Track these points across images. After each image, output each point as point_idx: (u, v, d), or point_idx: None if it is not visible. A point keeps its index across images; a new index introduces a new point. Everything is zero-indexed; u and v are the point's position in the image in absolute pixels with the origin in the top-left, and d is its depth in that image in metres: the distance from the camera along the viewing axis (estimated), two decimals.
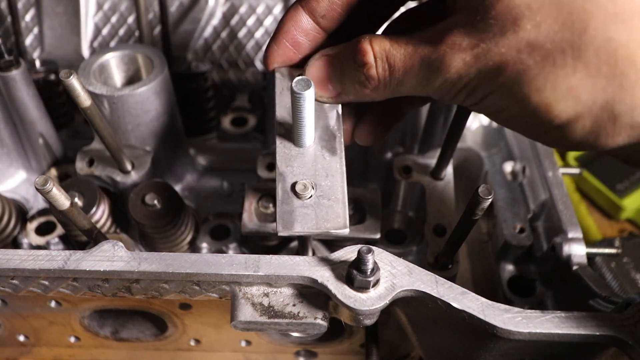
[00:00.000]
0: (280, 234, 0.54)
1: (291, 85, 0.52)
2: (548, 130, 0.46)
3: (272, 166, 0.84)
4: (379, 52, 0.52)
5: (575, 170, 0.93)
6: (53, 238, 0.83)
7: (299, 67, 0.61)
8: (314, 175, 0.57)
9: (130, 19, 1.03)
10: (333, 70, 0.57)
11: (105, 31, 1.03)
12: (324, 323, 0.55)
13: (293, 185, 0.56)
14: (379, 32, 0.63)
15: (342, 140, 0.59)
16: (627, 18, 0.41)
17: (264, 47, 1.01)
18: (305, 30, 0.57)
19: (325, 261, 0.55)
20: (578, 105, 0.43)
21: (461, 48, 0.46)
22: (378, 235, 0.77)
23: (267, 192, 0.79)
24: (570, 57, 0.42)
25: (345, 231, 0.54)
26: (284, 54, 0.59)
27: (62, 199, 0.56)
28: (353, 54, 0.54)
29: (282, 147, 0.58)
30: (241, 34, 1.03)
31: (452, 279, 0.69)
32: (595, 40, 0.41)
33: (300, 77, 0.52)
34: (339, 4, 0.55)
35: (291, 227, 0.54)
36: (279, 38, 0.58)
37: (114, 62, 0.82)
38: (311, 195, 0.55)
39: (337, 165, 0.57)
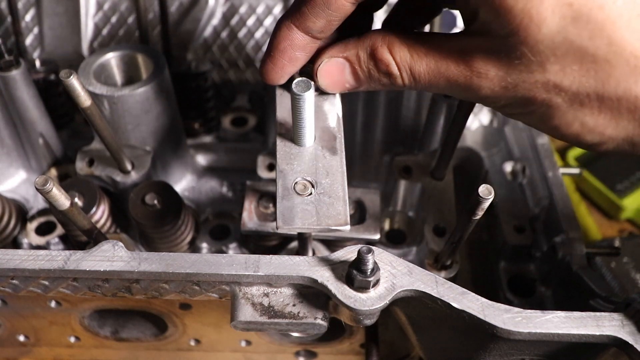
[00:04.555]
0: (280, 229, 0.54)
1: (291, 86, 0.51)
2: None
3: (272, 166, 0.84)
4: (402, 63, 0.53)
5: (575, 170, 0.93)
6: (53, 238, 0.83)
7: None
8: (315, 173, 0.57)
9: (130, 19, 1.03)
10: (350, 72, 0.57)
11: (105, 31, 1.03)
12: (324, 323, 0.55)
13: (294, 184, 0.56)
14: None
15: (343, 140, 0.59)
16: None
17: (264, 48, 1.02)
18: (301, 46, 0.56)
19: (325, 261, 0.55)
20: (603, 137, 0.49)
21: (488, 78, 0.49)
22: (378, 236, 0.77)
23: (267, 192, 0.79)
24: (595, 100, 0.47)
25: (347, 227, 0.54)
26: (283, 70, 0.58)
27: (62, 199, 0.56)
28: (374, 61, 0.55)
29: (282, 146, 0.58)
30: (241, 34, 1.03)
31: (452, 279, 0.70)
32: (618, 89, 0.46)
33: (300, 79, 0.52)
34: (337, 18, 0.54)
35: (291, 222, 0.54)
36: (276, 57, 0.56)
37: (114, 62, 0.82)
38: (311, 193, 0.55)
39: (338, 164, 0.57)
